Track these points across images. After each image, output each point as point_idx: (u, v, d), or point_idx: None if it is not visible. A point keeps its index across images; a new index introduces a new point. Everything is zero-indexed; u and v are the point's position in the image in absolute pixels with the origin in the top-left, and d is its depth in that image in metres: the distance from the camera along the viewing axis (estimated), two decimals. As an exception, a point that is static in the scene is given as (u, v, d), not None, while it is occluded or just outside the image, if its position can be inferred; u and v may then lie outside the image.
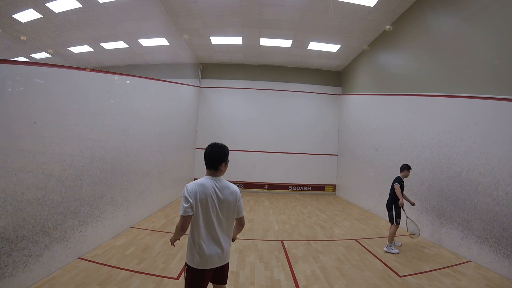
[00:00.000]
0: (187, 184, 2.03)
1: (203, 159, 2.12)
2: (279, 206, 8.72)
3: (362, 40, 8.70)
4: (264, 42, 9.31)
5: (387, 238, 4.96)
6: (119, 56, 8.06)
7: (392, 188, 5.01)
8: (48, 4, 4.98)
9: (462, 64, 5.14)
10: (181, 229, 1.98)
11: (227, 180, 2.20)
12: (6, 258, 2.88)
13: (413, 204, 5.18)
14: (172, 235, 2.18)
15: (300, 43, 9.27)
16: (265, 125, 11.56)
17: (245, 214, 3.27)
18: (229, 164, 2.22)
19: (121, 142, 5.30)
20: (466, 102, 4.91)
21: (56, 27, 5.38)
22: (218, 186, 2.08)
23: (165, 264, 4.01)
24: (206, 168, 2.13)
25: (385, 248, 4.84)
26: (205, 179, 2.09)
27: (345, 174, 10.80)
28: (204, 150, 2.13)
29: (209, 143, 2.19)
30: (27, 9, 4.49)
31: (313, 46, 9.39)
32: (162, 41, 8.58)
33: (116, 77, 5.42)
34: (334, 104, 11.79)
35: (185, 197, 1.97)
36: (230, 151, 2.21)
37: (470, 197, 4.64)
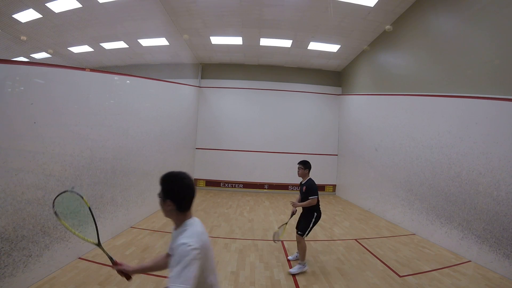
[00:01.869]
0: (189, 241, 1.35)
1: (183, 196, 1.48)
2: (279, 206, 8.71)
3: (362, 40, 8.69)
4: (264, 42, 9.31)
5: (300, 255, 3.96)
6: (119, 56, 8.07)
7: (315, 191, 4.00)
8: (48, 4, 4.98)
9: (462, 64, 5.14)
10: None
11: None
12: (6, 258, 2.88)
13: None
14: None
15: (300, 43, 9.26)
16: (265, 125, 11.55)
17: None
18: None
19: (121, 142, 5.30)
20: (466, 102, 4.91)
21: (56, 27, 5.38)
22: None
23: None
24: (186, 208, 1.49)
25: (293, 270, 3.85)
26: (198, 224, 1.51)
27: (345, 174, 10.79)
28: (183, 182, 1.50)
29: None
30: (27, 9, 4.50)
31: (313, 46, 9.39)
32: (162, 41, 8.59)
33: (116, 77, 5.42)
34: (334, 104, 11.78)
35: (195, 261, 1.34)
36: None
37: (470, 197, 4.64)
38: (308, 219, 4.03)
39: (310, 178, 4.17)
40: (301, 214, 4.22)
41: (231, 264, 4.13)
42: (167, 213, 1.50)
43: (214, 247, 4.79)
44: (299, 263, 3.93)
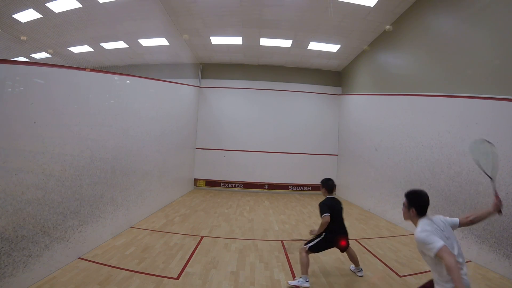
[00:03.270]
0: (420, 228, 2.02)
1: (417, 204, 2.08)
2: (279, 206, 8.71)
3: (362, 40, 8.70)
4: (264, 42, 9.31)
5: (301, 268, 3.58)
6: (119, 56, 8.07)
7: (321, 209, 3.73)
8: (48, 4, 4.98)
9: (462, 64, 5.14)
10: None
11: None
12: (6, 258, 2.88)
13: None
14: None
15: (300, 43, 9.26)
16: (265, 125, 11.56)
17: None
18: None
19: (121, 142, 5.30)
20: (466, 102, 4.90)
21: (56, 27, 5.38)
22: None
23: (165, 264, 4.01)
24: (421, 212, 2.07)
25: (292, 282, 3.50)
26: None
27: (345, 174, 10.80)
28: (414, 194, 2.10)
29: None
30: (27, 9, 4.50)
31: (313, 46, 9.39)
32: (162, 41, 8.59)
33: (116, 77, 5.42)
34: (334, 104, 11.79)
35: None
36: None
37: (470, 197, 4.64)
38: (317, 236, 3.70)
39: (326, 198, 3.87)
40: None
41: (231, 264, 4.13)
42: (409, 217, 2.14)
43: (214, 247, 4.79)
44: (301, 276, 3.51)
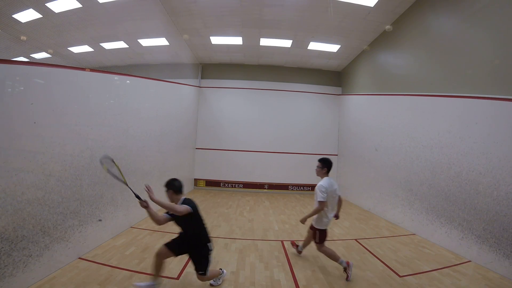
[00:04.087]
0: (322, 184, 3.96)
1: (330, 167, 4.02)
2: (279, 206, 8.71)
3: (362, 40, 8.69)
4: (264, 42, 9.31)
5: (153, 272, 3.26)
6: (119, 56, 8.06)
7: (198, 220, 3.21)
8: (48, 4, 4.98)
9: (462, 64, 5.14)
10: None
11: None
12: (6, 258, 2.89)
13: None
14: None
15: (300, 43, 9.26)
16: (265, 125, 11.55)
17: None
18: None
19: (121, 142, 5.30)
20: (466, 102, 4.91)
21: (56, 27, 5.38)
22: None
23: (165, 264, 4.00)
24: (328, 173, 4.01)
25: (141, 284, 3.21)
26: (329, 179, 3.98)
27: (345, 174, 10.79)
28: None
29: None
30: (27, 9, 4.49)
31: (313, 46, 9.39)
32: (162, 41, 8.58)
33: (116, 77, 5.42)
34: (334, 104, 11.78)
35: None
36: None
37: (470, 197, 4.64)
38: (207, 254, 3.23)
39: (184, 199, 3.34)
40: (194, 252, 3.24)
41: (231, 264, 4.13)
42: (321, 174, 4.03)
43: (214, 247, 4.77)
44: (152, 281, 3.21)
